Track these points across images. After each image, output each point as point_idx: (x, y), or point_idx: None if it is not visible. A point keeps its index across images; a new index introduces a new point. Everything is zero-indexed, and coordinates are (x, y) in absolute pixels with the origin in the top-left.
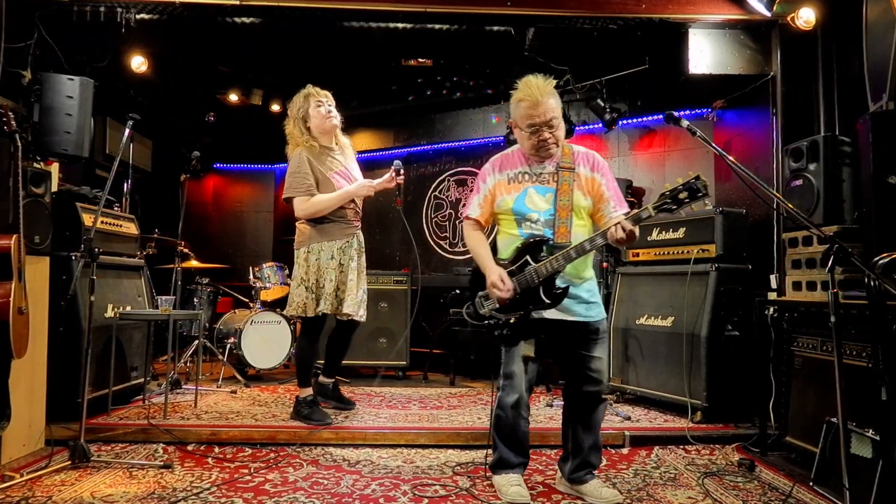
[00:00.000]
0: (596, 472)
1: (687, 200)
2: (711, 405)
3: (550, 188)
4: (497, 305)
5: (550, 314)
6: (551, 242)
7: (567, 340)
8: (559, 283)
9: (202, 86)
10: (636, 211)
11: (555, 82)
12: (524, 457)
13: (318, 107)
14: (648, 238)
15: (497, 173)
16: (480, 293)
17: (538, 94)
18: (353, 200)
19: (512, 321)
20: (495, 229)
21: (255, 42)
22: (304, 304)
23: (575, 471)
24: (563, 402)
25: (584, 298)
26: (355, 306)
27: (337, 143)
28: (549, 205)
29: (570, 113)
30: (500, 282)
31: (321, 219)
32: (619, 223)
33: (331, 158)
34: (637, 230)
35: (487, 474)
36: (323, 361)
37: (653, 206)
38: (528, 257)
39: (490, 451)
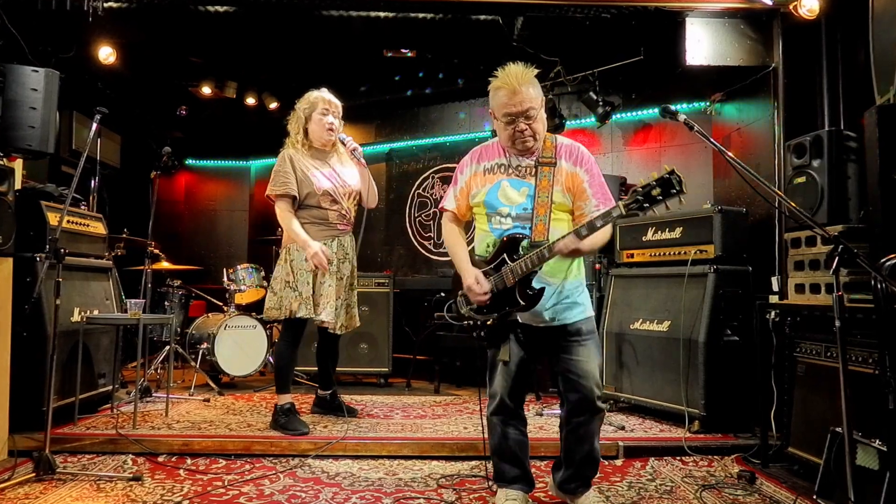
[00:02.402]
0: (591, 485)
1: (660, 197)
2: (710, 414)
3: (528, 182)
4: (475, 306)
5: (522, 318)
6: (529, 241)
7: (547, 344)
8: (536, 283)
9: (173, 78)
10: (605, 210)
11: (536, 71)
12: (520, 469)
13: (322, 115)
14: (643, 238)
15: (474, 164)
16: (461, 292)
17: (515, 82)
18: (337, 202)
19: (489, 323)
20: (472, 225)
21: (229, 32)
22: (275, 306)
23: (566, 481)
24: (556, 411)
25: (556, 302)
26: (331, 315)
27: (333, 148)
28: (523, 199)
29: (561, 107)
30: (475, 284)
31: (300, 220)
32: (565, 235)
33: (317, 159)
34: (586, 243)
35: (474, 486)
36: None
37: (624, 205)
38: (505, 256)
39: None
